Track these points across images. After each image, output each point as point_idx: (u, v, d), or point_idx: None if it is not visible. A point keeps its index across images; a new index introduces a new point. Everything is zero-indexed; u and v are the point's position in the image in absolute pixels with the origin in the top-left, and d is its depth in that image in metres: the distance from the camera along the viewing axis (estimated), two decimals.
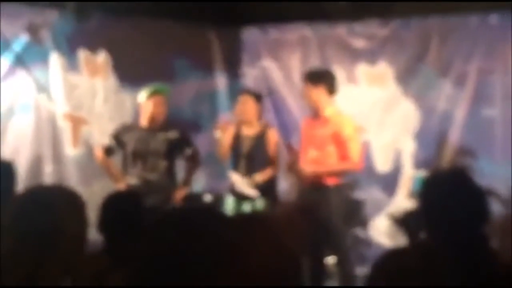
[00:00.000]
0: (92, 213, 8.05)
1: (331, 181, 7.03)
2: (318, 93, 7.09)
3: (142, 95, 7.40)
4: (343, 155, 7.03)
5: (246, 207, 7.41)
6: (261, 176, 7.38)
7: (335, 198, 7.04)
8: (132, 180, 7.31)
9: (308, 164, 7.07)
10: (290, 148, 7.29)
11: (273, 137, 7.63)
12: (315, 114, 7.21)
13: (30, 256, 2.43)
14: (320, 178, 7.00)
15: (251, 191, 7.35)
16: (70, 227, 2.53)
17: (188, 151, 7.60)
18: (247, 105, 7.56)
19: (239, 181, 7.52)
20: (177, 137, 7.45)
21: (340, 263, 7.28)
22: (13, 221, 2.50)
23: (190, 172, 7.79)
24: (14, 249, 2.44)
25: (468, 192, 3.08)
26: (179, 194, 7.53)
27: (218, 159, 8.03)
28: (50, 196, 2.62)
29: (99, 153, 7.58)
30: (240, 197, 7.50)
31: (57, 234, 2.48)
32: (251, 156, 7.52)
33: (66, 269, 2.47)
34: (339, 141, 7.01)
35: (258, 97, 7.72)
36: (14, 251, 2.44)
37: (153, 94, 7.34)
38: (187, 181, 7.74)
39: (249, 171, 7.48)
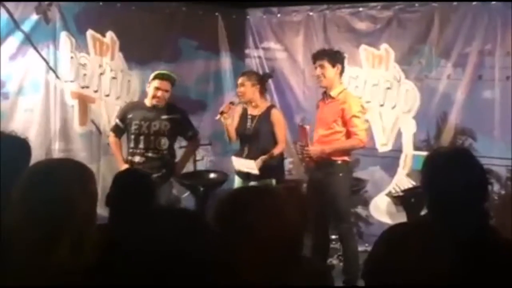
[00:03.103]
0: (100, 189, 8.23)
1: (338, 158, 7.10)
2: (335, 73, 7.18)
3: (151, 76, 7.52)
4: (349, 132, 7.10)
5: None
6: (265, 157, 7.42)
7: (342, 174, 7.10)
8: (135, 158, 7.47)
9: (316, 143, 7.15)
10: (300, 128, 7.30)
11: (278, 116, 7.66)
12: (325, 94, 7.26)
13: (41, 226, 2.49)
14: (328, 156, 7.09)
15: (252, 170, 7.42)
16: (80, 199, 2.59)
17: (189, 133, 7.76)
18: (244, 88, 7.61)
19: (239, 163, 7.63)
20: (178, 118, 7.58)
21: (344, 239, 7.33)
22: (24, 192, 2.57)
23: (189, 152, 8.04)
24: (25, 219, 2.51)
25: (469, 171, 3.09)
26: (178, 171, 7.74)
27: (222, 138, 8.10)
28: (61, 168, 2.70)
29: (111, 137, 7.75)
30: (247, 178, 7.57)
31: (68, 205, 2.54)
32: (256, 135, 7.58)
33: (76, 239, 2.52)
34: (346, 119, 7.06)
35: (256, 78, 7.76)
36: (26, 221, 2.50)
37: (160, 77, 7.45)
38: (185, 160, 7.95)
39: (254, 151, 7.55)
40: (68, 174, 2.63)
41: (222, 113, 7.57)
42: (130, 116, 7.50)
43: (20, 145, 3.86)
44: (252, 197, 2.65)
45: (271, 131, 7.57)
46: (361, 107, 7.31)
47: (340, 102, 7.09)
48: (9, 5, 7.76)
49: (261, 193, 2.70)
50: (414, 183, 8.23)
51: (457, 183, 3.04)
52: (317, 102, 7.58)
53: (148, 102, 7.49)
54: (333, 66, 7.12)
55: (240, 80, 7.69)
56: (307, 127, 7.16)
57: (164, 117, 7.45)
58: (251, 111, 7.65)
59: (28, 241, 2.47)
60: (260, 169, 7.34)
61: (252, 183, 7.40)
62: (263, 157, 7.38)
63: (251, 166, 7.38)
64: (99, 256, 2.49)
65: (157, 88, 7.39)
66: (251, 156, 7.49)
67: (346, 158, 7.15)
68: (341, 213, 7.17)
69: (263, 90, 7.77)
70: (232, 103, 7.74)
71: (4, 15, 7.78)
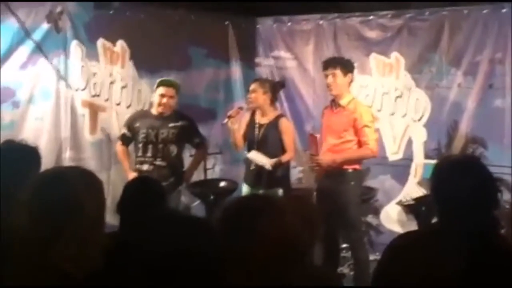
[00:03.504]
0: (110, 197, 8.22)
1: (349, 167, 7.09)
2: (346, 82, 7.17)
3: (155, 84, 7.54)
4: (360, 142, 7.11)
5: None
6: (276, 160, 7.40)
7: (353, 182, 7.10)
8: (143, 166, 7.48)
9: (327, 152, 7.13)
10: (311, 137, 7.29)
11: (286, 125, 7.67)
12: (334, 103, 7.25)
13: (47, 232, 2.50)
14: (339, 165, 7.07)
15: (264, 164, 7.39)
16: (88, 205, 2.59)
17: (196, 140, 7.77)
18: (255, 94, 7.61)
19: (254, 154, 7.57)
20: (186, 126, 7.59)
21: (355, 248, 7.32)
22: (32, 198, 2.58)
23: (197, 159, 8.04)
24: (33, 225, 2.52)
25: (479, 178, 3.07)
26: (187, 180, 7.76)
27: (232, 147, 8.08)
28: (69, 175, 2.70)
29: (118, 146, 7.79)
30: (254, 185, 7.57)
31: (75, 211, 2.55)
32: (264, 143, 7.57)
33: (83, 245, 2.54)
34: (357, 129, 7.06)
35: (269, 86, 7.74)
36: (34, 227, 2.51)
37: (163, 85, 7.49)
38: (193, 168, 7.94)
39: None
40: (76, 181, 2.63)
41: (230, 117, 7.57)
42: (137, 124, 7.53)
43: (31, 153, 3.88)
44: (259, 204, 2.65)
45: (279, 140, 7.56)
46: (372, 117, 7.31)
47: (351, 112, 7.08)
48: (20, 14, 7.79)
49: (268, 201, 2.70)
50: (425, 191, 8.20)
51: (466, 191, 3.02)
52: (322, 110, 7.58)
53: (154, 110, 7.52)
54: (345, 75, 7.12)
55: (252, 86, 7.69)
56: (318, 136, 7.15)
57: (171, 124, 7.47)
58: (259, 119, 7.63)
59: (36, 246, 2.49)
60: (268, 177, 7.37)
61: (259, 192, 7.43)
62: (277, 159, 7.39)
63: (264, 161, 7.37)
64: (108, 261, 2.50)
65: (162, 95, 7.43)
66: (259, 165, 7.49)
67: (357, 166, 7.14)
68: (352, 221, 7.16)
69: (274, 99, 7.76)
70: (241, 108, 7.76)
71: (15, 24, 7.80)
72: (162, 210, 4.26)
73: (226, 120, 7.61)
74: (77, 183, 2.62)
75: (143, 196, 4.42)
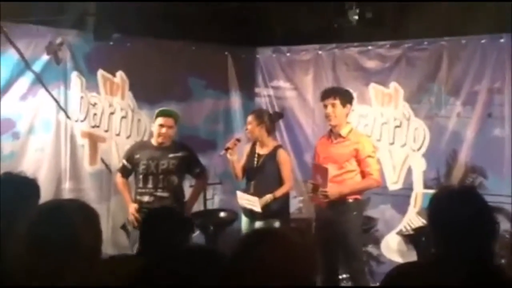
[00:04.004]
0: (110, 228, 8.21)
1: (351, 197, 7.10)
2: (344, 113, 7.19)
3: (154, 115, 7.56)
4: (364, 172, 7.12)
5: (258, 226, 7.47)
6: (275, 194, 7.45)
7: (355, 212, 7.12)
8: (144, 197, 7.47)
9: (329, 183, 7.06)
10: (320, 168, 7.27)
11: (284, 157, 7.67)
12: (332, 133, 7.27)
13: (46, 265, 2.54)
14: (343, 197, 7.06)
15: (254, 207, 7.41)
16: (86, 238, 2.64)
17: (197, 170, 7.76)
18: (251, 126, 7.64)
19: (243, 198, 7.62)
20: (186, 156, 7.59)
21: (356, 278, 7.31)
22: (30, 230, 2.62)
23: (197, 190, 8.01)
24: (32, 256, 2.56)
25: (476, 209, 3.08)
26: (188, 211, 7.72)
27: (233, 177, 8.08)
28: (67, 208, 2.75)
29: (118, 178, 7.76)
30: (252, 217, 7.56)
31: (73, 244, 2.60)
32: (261, 174, 7.60)
33: (81, 276, 2.57)
34: (360, 159, 7.09)
35: (265, 117, 7.76)
36: (32, 258, 2.55)
37: (163, 115, 7.49)
38: (194, 199, 7.90)
39: (259, 190, 7.54)
40: (73, 215, 2.68)
41: (227, 149, 7.59)
42: (137, 156, 7.52)
43: (29, 185, 3.88)
44: (259, 240, 2.65)
45: (277, 171, 7.58)
46: (373, 147, 7.33)
47: (352, 142, 7.11)
48: (20, 45, 7.83)
49: (268, 236, 2.71)
50: (424, 221, 8.17)
51: (462, 221, 3.03)
52: (317, 139, 7.59)
53: (154, 141, 7.52)
54: (344, 105, 7.14)
55: (248, 118, 7.74)
56: (328, 167, 7.12)
57: (171, 155, 7.47)
58: (259, 150, 7.66)
59: (36, 278, 2.52)
60: (265, 209, 7.35)
61: (258, 223, 7.42)
62: (268, 196, 7.38)
63: (255, 204, 7.38)
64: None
65: (161, 125, 7.43)
66: (256, 195, 7.48)
67: (358, 196, 7.15)
68: (353, 251, 7.16)
69: (271, 130, 7.78)
70: (238, 139, 7.76)
71: (15, 55, 7.84)
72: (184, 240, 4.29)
73: (223, 152, 7.64)
74: (74, 216, 2.67)
75: (164, 227, 4.43)
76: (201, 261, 2.25)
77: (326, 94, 7.27)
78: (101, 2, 8.17)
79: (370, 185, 7.24)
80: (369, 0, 8.57)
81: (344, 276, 7.77)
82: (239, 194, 7.69)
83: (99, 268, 2.73)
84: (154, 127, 7.51)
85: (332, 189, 7.00)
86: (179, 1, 8.66)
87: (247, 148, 7.86)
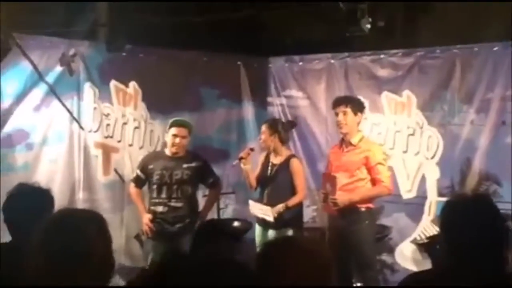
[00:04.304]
0: (123, 238, 8.22)
1: (363, 206, 7.09)
2: (356, 121, 7.19)
3: (168, 125, 7.56)
4: (374, 180, 7.11)
5: (272, 236, 7.45)
6: (288, 204, 7.45)
7: (367, 221, 7.10)
8: (158, 207, 7.47)
9: (339, 191, 7.11)
10: (329, 177, 7.28)
11: (297, 166, 7.67)
12: (343, 141, 7.28)
13: (61, 272, 2.56)
14: (354, 204, 7.07)
15: (267, 216, 7.42)
16: (95, 246, 2.66)
17: (210, 180, 7.76)
18: (264, 136, 7.66)
19: (255, 208, 7.63)
20: (199, 166, 7.59)
21: (369, 287, 7.30)
22: (44, 240, 2.64)
23: (211, 199, 8.00)
24: (46, 266, 2.58)
25: (489, 217, 3.07)
26: (202, 220, 7.71)
27: (246, 186, 8.08)
28: (78, 217, 2.77)
29: (132, 188, 7.76)
30: (266, 226, 7.57)
31: (83, 253, 2.62)
32: (275, 184, 7.62)
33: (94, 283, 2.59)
34: (370, 167, 7.08)
35: (277, 127, 7.76)
36: (47, 268, 2.58)
37: (176, 125, 7.48)
38: (208, 208, 7.89)
39: (273, 199, 7.56)
40: (84, 224, 2.71)
41: (241, 158, 7.59)
42: (151, 166, 7.52)
43: (43, 196, 3.89)
44: (279, 249, 2.66)
45: (290, 180, 7.58)
46: (384, 154, 7.32)
47: (362, 150, 7.11)
48: (33, 56, 7.85)
49: (287, 245, 2.72)
50: (438, 229, 8.14)
51: (475, 229, 3.02)
52: (330, 148, 7.59)
53: (168, 151, 7.52)
54: (355, 114, 7.15)
55: (262, 128, 7.76)
56: (337, 175, 7.12)
57: (185, 165, 7.47)
58: (273, 159, 7.68)
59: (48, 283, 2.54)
60: (278, 218, 7.35)
61: (271, 232, 7.42)
62: (280, 205, 7.38)
63: (267, 213, 7.38)
64: None
65: (175, 136, 7.42)
66: (270, 204, 7.49)
67: (370, 205, 7.14)
68: (366, 260, 7.14)
69: (284, 139, 7.78)
70: (251, 149, 7.76)
71: (29, 66, 7.86)
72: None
73: (236, 161, 7.65)
74: (86, 225, 2.70)
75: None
76: (224, 273, 2.24)
77: (338, 102, 7.28)
78: (114, 13, 8.20)
79: (381, 193, 7.23)
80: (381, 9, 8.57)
81: (358, 285, 7.75)
82: (252, 203, 7.70)
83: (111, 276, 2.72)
84: (168, 137, 7.50)
85: (342, 197, 7.01)
86: (191, 12, 8.67)
87: (261, 157, 7.86)
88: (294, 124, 8.67)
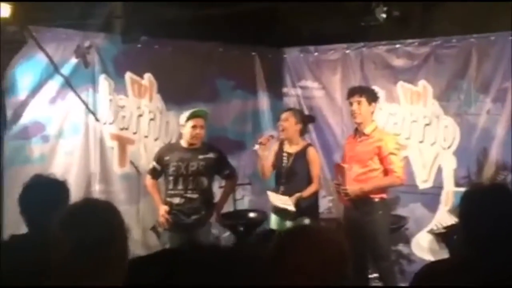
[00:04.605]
0: (140, 230, 8.22)
1: (376, 196, 7.10)
2: (370, 111, 7.19)
3: (182, 118, 7.54)
4: (387, 170, 7.10)
5: (289, 225, 7.45)
6: (301, 195, 7.46)
7: (381, 212, 7.10)
8: (174, 199, 7.47)
9: (353, 182, 7.11)
10: (338, 167, 7.29)
11: (314, 155, 7.71)
12: (357, 131, 7.28)
13: (82, 262, 2.59)
14: (366, 194, 7.07)
15: (288, 206, 7.41)
16: (117, 237, 2.70)
17: (226, 171, 7.75)
18: (288, 123, 7.65)
19: (275, 198, 7.62)
20: (215, 157, 7.57)
21: (385, 278, 7.29)
22: (65, 230, 2.66)
23: (227, 191, 7.98)
24: (67, 255, 2.61)
25: (506, 206, 3.06)
26: (218, 212, 7.71)
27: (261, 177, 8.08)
28: (100, 207, 2.81)
29: (148, 180, 7.76)
30: (283, 216, 7.58)
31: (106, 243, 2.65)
32: (291, 173, 7.62)
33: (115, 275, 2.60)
34: (382, 157, 7.07)
35: (301, 116, 7.83)
36: (68, 258, 2.60)
37: (192, 116, 7.46)
38: (224, 200, 7.90)
39: (289, 189, 7.57)
40: (105, 214, 2.74)
41: (260, 143, 7.59)
42: (167, 158, 7.51)
43: (59, 187, 3.90)
44: (297, 237, 2.66)
45: (307, 170, 7.61)
46: (397, 144, 7.31)
47: (375, 140, 7.11)
48: (48, 49, 7.87)
49: (306, 233, 2.71)
50: (455, 219, 8.13)
51: (494, 219, 3.00)
52: (345, 139, 7.58)
53: (184, 142, 7.51)
54: (369, 103, 7.15)
55: (284, 115, 7.73)
56: (346, 165, 7.13)
57: (201, 156, 7.46)
58: (287, 149, 7.68)
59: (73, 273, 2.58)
60: (296, 207, 7.34)
61: (288, 222, 7.43)
62: (298, 194, 7.39)
63: (287, 203, 7.39)
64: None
65: (194, 127, 7.41)
66: (287, 194, 7.51)
67: (384, 195, 7.15)
68: (381, 251, 7.14)
69: (304, 131, 7.84)
70: (272, 136, 7.76)
71: (44, 59, 7.88)
72: None
73: (257, 146, 7.63)
74: (107, 215, 2.74)
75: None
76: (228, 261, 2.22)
77: (352, 92, 7.29)
78: (129, 5, 8.20)
79: (393, 183, 7.22)
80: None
81: (374, 275, 7.74)
82: (271, 194, 7.70)
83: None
84: (186, 129, 7.47)
85: (353, 187, 7.00)
86: (206, 3, 8.66)
87: (274, 147, 7.85)
88: (313, 119, 8.68)
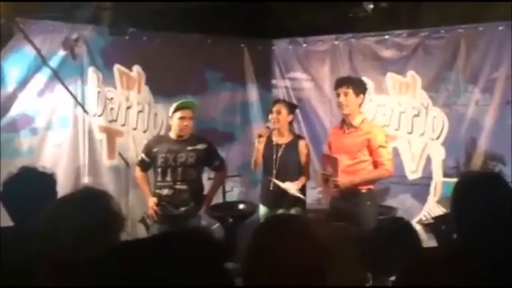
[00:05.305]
0: (129, 222, 8.20)
1: (363, 187, 7.09)
2: (357, 102, 7.17)
3: (171, 109, 7.53)
4: (376, 162, 7.10)
5: None
6: (298, 183, 7.50)
7: (368, 203, 7.09)
8: (163, 191, 7.46)
9: (341, 173, 7.11)
10: (330, 158, 7.27)
11: (304, 147, 7.73)
12: (345, 123, 7.27)
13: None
14: (355, 186, 7.08)
15: (293, 190, 7.43)
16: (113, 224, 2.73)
17: (215, 162, 7.75)
18: (280, 115, 7.64)
19: (289, 186, 7.58)
20: (204, 149, 7.56)
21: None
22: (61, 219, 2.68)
23: (216, 182, 7.99)
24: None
25: (499, 194, 3.07)
26: (207, 203, 7.71)
27: (251, 169, 8.07)
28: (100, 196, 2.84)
29: (137, 172, 7.75)
30: (273, 207, 7.58)
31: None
32: (283, 164, 7.62)
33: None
34: (371, 149, 7.07)
35: (291, 108, 7.85)
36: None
37: (180, 108, 7.44)
38: (213, 191, 7.90)
39: (282, 178, 7.57)
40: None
41: (260, 136, 7.59)
42: (155, 149, 7.50)
43: (46, 179, 3.88)
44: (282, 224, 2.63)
45: (297, 161, 7.63)
46: (386, 136, 7.31)
47: (364, 132, 7.09)
48: (36, 41, 7.84)
49: (291, 221, 2.69)
50: (444, 210, 8.15)
51: (486, 208, 2.99)
52: (330, 130, 7.57)
53: (173, 134, 7.50)
54: (357, 95, 7.12)
55: (276, 107, 7.71)
56: (338, 157, 7.12)
57: (189, 148, 7.45)
58: (277, 140, 7.67)
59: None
60: (285, 198, 7.40)
61: (277, 212, 7.45)
62: (295, 182, 7.45)
63: (292, 188, 7.41)
64: None
65: (183, 118, 7.39)
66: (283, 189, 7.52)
67: (371, 186, 7.15)
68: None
69: (292, 120, 7.85)
70: (268, 127, 7.74)
71: (32, 51, 7.85)
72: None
73: (258, 139, 7.62)
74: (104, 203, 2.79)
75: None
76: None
77: (339, 83, 7.26)
78: None
79: (382, 175, 7.21)
80: None
81: None
82: (277, 181, 7.63)
83: None
84: (174, 120, 7.46)
85: (343, 179, 7.00)
86: None
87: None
88: (297, 106, 8.68)
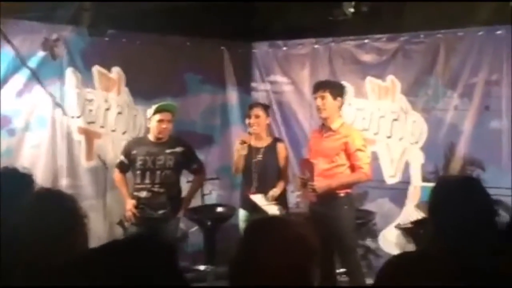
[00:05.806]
0: (106, 224, 8.18)
1: (341, 191, 7.09)
2: (336, 106, 7.17)
3: (150, 111, 7.51)
4: (353, 166, 7.10)
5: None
6: (277, 191, 7.48)
7: (346, 207, 7.08)
8: (141, 193, 7.43)
9: (319, 177, 7.11)
10: (307, 163, 7.28)
11: (283, 150, 7.74)
12: (324, 126, 7.27)
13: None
14: (332, 190, 7.07)
15: (272, 209, 7.40)
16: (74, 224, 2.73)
17: (194, 165, 7.73)
18: (259, 119, 7.64)
19: (261, 201, 7.56)
20: (183, 151, 7.56)
21: (352, 272, 7.30)
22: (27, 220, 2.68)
23: (195, 185, 7.97)
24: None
25: (475, 198, 3.08)
26: (185, 206, 7.70)
27: (230, 172, 8.06)
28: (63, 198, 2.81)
29: (116, 174, 7.73)
30: (252, 210, 7.55)
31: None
32: (263, 168, 7.61)
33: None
34: (349, 153, 7.07)
35: (268, 111, 7.84)
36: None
37: (159, 110, 7.44)
38: (191, 194, 7.88)
39: (260, 184, 7.58)
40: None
41: (244, 142, 7.56)
42: (134, 152, 7.49)
43: (23, 179, 3.86)
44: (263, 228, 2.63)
45: (276, 164, 7.63)
46: (364, 140, 7.32)
47: (342, 136, 7.10)
48: (15, 41, 7.80)
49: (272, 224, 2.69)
50: (423, 214, 8.17)
51: (463, 212, 3.00)
52: (310, 133, 7.58)
53: (152, 137, 7.49)
54: (334, 98, 7.13)
55: (255, 111, 7.70)
56: (315, 161, 7.13)
57: (168, 151, 7.44)
58: (255, 143, 7.66)
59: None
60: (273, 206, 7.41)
61: (256, 217, 7.42)
62: (274, 192, 7.45)
63: (272, 208, 7.41)
64: None
65: (161, 121, 7.39)
66: (261, 189, 7.52)
67: (348, 190, 7.15)
68: (348, 246, 7.15)
69: (270, 122, 7.85)
70: (250, 133, 7.72)
71: (11, 51, 7.81)
72: None
73: (240, 146, 7.58)
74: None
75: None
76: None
77: (317, 87, 7.29)
78: None
79: (359, 179, 7.22)
80: None
81: (341, 270, 7.75)
82: (254, 197, 7.59)
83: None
84: (152, 123, 7.46)
85: (320, 183, 7.00)
86: None
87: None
88: (269, 106, 8.71)
